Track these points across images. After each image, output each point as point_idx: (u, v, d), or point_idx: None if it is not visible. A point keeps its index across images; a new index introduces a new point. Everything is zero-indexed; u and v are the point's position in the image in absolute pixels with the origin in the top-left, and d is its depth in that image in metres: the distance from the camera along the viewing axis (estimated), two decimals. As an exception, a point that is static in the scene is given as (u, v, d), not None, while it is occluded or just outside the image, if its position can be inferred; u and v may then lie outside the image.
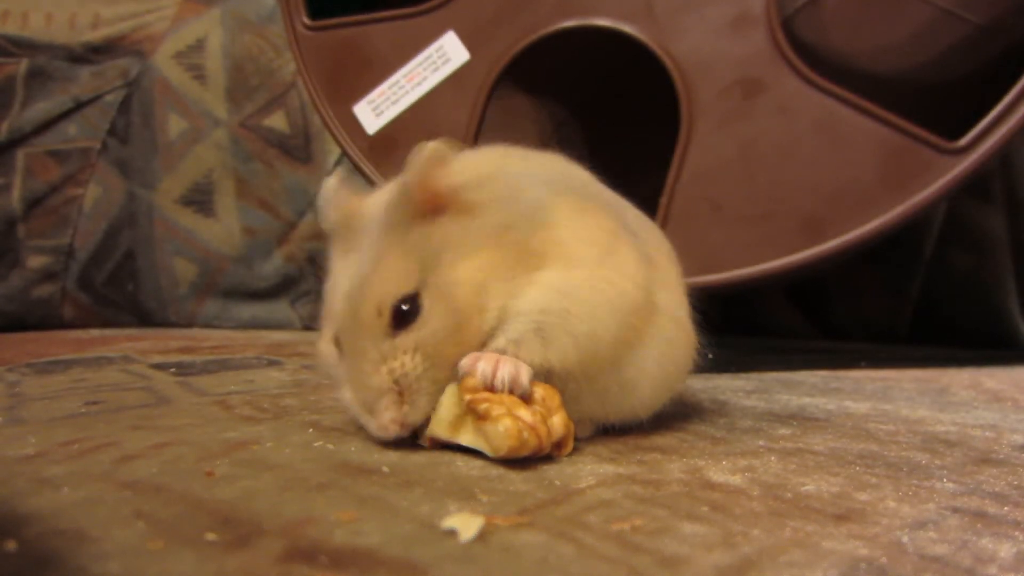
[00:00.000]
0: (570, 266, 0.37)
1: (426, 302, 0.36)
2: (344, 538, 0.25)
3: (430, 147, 0.36)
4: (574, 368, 0.37)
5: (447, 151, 0.37)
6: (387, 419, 0.35)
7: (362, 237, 0.38)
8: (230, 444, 0.36)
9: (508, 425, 0.33)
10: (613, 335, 0.37)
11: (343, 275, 0.38)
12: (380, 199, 0.39)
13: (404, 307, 0.36)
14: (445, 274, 0.36)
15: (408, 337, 0.36)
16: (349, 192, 0.40)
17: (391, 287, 0.36)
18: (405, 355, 0.36)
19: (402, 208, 0.37)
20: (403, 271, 0.36)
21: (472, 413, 0.35)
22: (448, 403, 0.36)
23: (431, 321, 0.36)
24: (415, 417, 0.36)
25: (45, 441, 0.36)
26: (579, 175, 0.43)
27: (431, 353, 0.36)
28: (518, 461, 0.35)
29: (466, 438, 0.36)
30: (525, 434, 0.34)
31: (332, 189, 0.40)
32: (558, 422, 0.36)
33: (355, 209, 0.39)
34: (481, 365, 0.35)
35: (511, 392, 0.35)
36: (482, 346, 0.37)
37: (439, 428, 0.36)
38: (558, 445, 0.36)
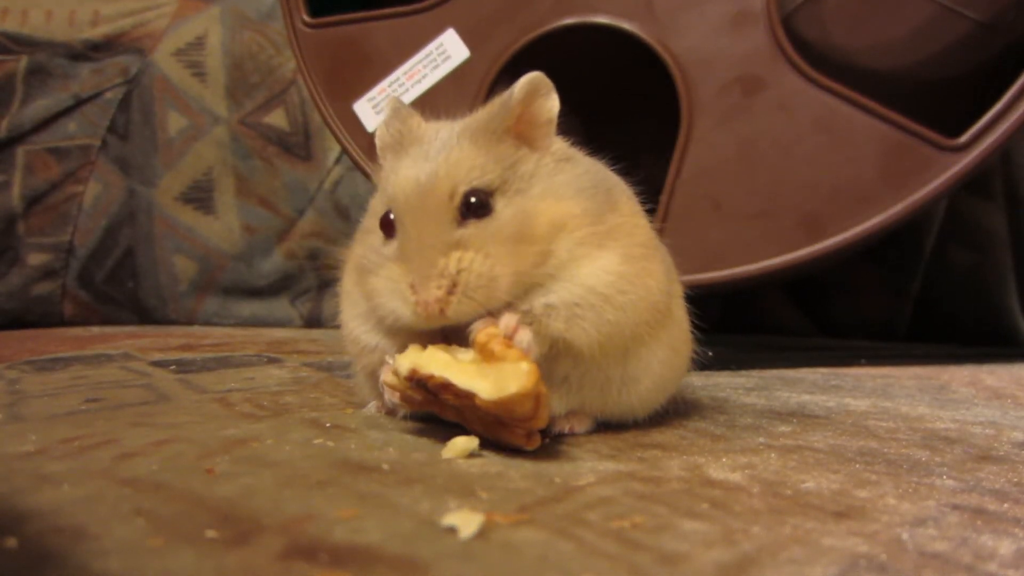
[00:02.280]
0: (624, 257, 0.38)
1: (499, 205, 0.37)
2: (344, 535, 0.25)
3: (537, 75, 0.38)
4: (591, 350, 0.38)
5: (552, 86, 0.39)
6: (433, 296, 0.35)
7: (424, 144, 0.38)
8: (230, 441, 0.36)
9: (530, 368, 0.33)
10: (631, 329, 0.38)
11: (407, 165, 0.38)
12: (441, 125, 0.40)
13: (473, 199, 0.36)
14: (530, 201, 0.37)
15: (475, 232, 0.36)
16: (410, 112, 0.42)
17: (467, 175, 0.37)
18: (476, 253, 0.36)
19: (497, 120, 0.38)
20: (484, 168, 0.37)
21: (485, 352, 0.35)
22: (432, 350, 0.36)
23: (500, 222, 0.36)
24: (456, 311, 0.35)
25: (45, 438, 0.36)
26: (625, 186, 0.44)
27: (493, 261, 0.36)
28: (514, 450, 0.35)
29: (460, 378, 0.34)
30: (541, 387, 0.33)
31: (397, 103, 0.41)
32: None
33: (417, 124, 0.41)
34: (507, 317, 0.36)
35: None
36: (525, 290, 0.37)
37: (432, 364, 0.35)
38: (529, 434, 0.35)
